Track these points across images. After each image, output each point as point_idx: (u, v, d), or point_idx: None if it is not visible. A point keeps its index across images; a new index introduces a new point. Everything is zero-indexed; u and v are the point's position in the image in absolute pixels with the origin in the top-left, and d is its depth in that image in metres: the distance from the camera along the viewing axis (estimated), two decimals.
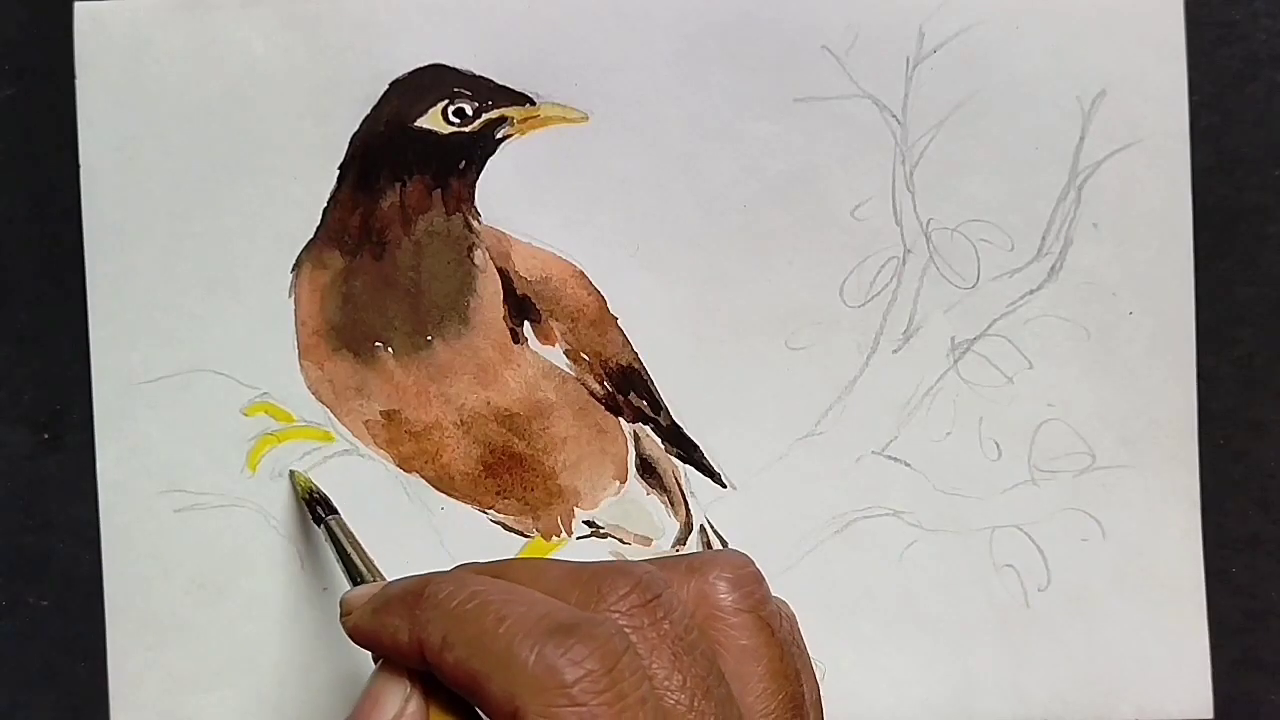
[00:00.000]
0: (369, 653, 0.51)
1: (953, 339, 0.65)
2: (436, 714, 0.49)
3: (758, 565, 0.52)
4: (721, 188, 0.65)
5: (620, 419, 0.66)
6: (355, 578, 0.58)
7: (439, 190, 0.65)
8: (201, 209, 0.65)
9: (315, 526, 0.64)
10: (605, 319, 0.65)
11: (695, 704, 0.46)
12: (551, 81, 0.65)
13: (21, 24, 0.66)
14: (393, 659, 0.50)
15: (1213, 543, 0.66)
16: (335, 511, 0.63)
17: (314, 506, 0.64)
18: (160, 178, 0.65)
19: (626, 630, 0.47)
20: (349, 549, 0.60)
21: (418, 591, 0.50)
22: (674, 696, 0.46)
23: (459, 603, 0.48)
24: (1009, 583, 0.66)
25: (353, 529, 0.62)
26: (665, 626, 0.48)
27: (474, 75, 0.65)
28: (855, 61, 0.65)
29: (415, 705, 0.49)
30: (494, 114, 0.65)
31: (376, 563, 0.59)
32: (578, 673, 0.45)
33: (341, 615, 0.53)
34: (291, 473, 0.65)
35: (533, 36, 0.65)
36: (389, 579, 0.55)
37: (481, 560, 0.65)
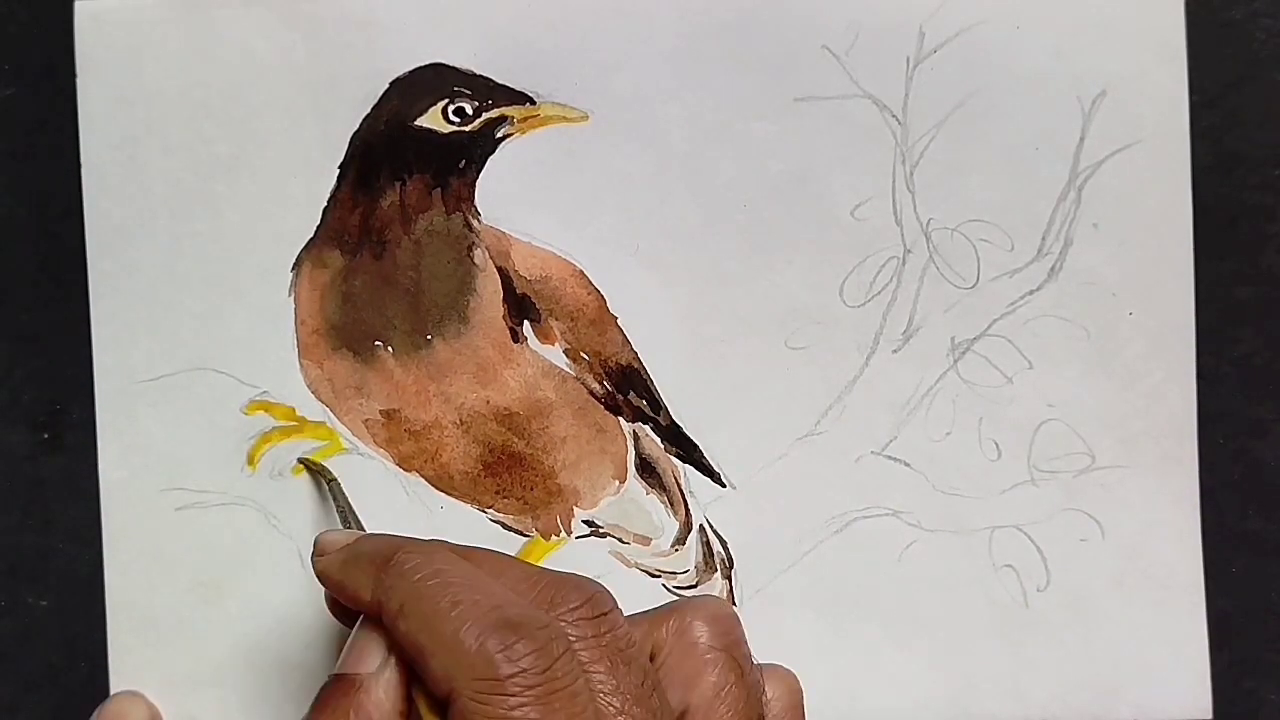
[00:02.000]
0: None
1: (952, 339, 0.65)
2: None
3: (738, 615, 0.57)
4: (721, 187, 0.65)
5: (620, 418, 0.66)
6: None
7: (439, 189, 0.65)
8: (202, 208, 0.65)
9: (318, 485, 0.65)
10: (605, 318, 0.65)
11: (627, 708, 0.50)
12: (551, 81, 0.65)
13: (21, 24, 0.66)
14: (356, 609, 0.53)
15: (1212, 543, 0.66)
16: (336, 480, 0.65)
17: (319, 473, 0.65)
18: (161, 176, 0.65)
19: (571, 637, 0.51)
20: (345, 508, 0.63)
21: (387, 555, 0.53)
22: (607, 700, 0.50)
23: (421, 576, 0.51)
24: (1008, 583, 0.66)
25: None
26: (608, 639, 0.51)
27: (474, 74, 0.65)
28: (855, 61, 0.65)
29: (399, 653, 0.52)
30: (494, 113, 0.65)
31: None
32: (513, 668, 0.48)
33: (314, 554, 0.56)
34: (301, 458, 0.66)
35: (533, 36, 0.65)
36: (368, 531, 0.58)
37: None
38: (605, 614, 0.53)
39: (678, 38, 0.65)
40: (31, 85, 0.66)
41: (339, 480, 0.65)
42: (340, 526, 0.62)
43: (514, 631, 0.49)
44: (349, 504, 0.64)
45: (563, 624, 0.51)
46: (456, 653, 0.49)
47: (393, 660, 0.52)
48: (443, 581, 0.51)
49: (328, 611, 0.58)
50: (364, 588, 0.53)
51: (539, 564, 0.65)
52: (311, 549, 0.57)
